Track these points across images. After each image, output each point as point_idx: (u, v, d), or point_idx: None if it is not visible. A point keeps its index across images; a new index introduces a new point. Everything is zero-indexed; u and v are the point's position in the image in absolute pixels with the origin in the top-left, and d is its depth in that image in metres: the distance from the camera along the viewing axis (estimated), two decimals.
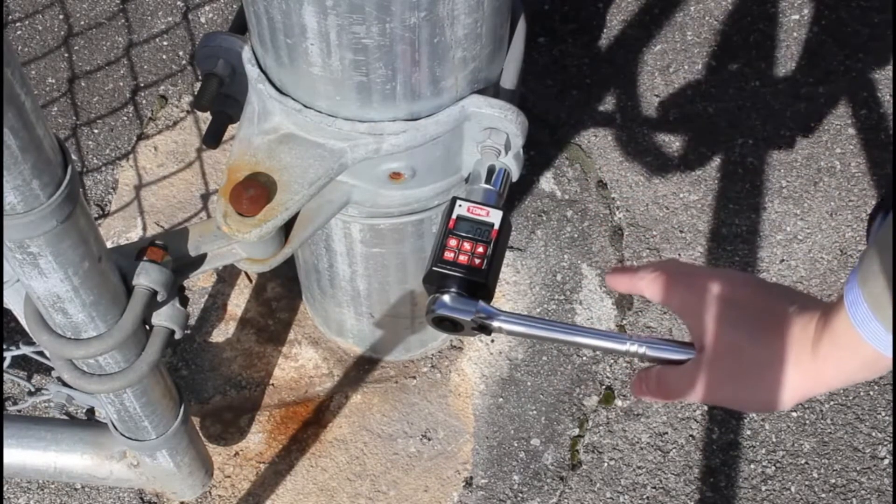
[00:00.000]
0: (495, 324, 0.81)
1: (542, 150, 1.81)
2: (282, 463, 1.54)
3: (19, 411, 1.54)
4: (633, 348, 0.75)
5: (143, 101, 1.85)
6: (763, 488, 1.53)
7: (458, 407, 1.59)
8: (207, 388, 1.60)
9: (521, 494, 1.52)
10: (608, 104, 1.86)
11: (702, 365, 0.70)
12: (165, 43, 1.92)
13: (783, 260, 1.70)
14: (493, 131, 1.02)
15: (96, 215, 1.74)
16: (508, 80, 1.07)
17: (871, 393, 1.59)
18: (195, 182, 1.77)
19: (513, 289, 1.68)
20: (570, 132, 1.83)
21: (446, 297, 0.84)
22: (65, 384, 1.23)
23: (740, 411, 0.73)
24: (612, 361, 1.62)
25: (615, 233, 1.74)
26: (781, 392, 0.68)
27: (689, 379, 0.71)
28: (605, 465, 1.55)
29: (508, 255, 1.70)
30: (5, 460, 1.20)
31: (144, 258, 0.94)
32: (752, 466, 1.54)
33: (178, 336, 1.00)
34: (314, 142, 1.02)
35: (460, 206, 0.91)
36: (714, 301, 0.71)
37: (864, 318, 0.61)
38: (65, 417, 1.42)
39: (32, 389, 1.49)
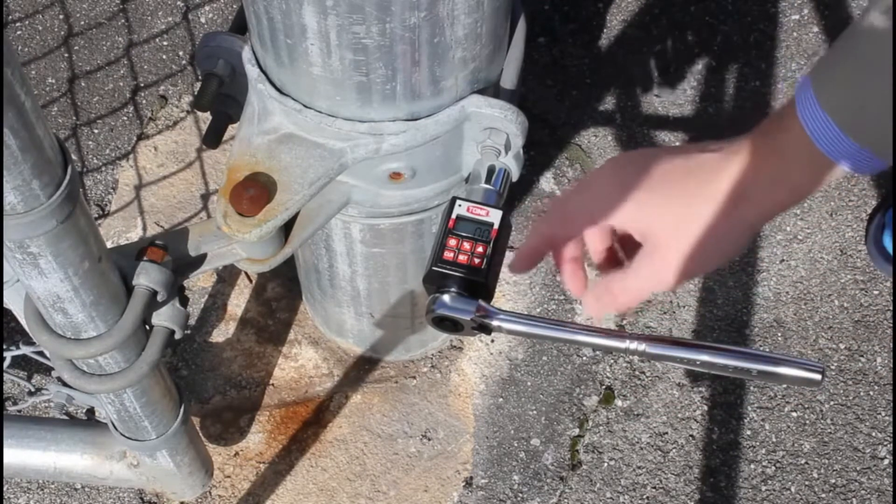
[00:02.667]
0: (495, 323, 0.81)
1: (542, 150, 1.81)
2: (282, 463, 1.54)
3: (19, 411, 1.54)
4: (633, 346, 0.75)
5: (143, 101, 1.85)
6: (763, 488, 1.53)
7: (458, 407, 1.59)
8: (207, 388, 1.60)
9: (521, 494, 1.52)
10: (608, 104, 1.86)
11: (651, 249, 0.68)
12: (165, 43, 1.92)
13: (783, 260, 1.70)
14: (493, 131, 1.02)
15: (96, 215, 1.74)
16: (508, 80, 1.07)
17: (871, 393, 1.59)
18: (195, 182, 1.77)
19: (513, 289, 1.68)
20: (570, 132, 1.83)
21: (446, 297, 0.84)
22: (65, 384, 1.23)
23: (709, 272, 0.70)
24: (612, 361, 1.63)
25: (615, 232, 1.73)
26: (737, 220, 0.65)
27: (643, 269, 0.70)
28: (605, 465, 1.55)
29: (508, 254, 1.70)
30: (5, 460, 1.20)
31: (144, 258, 0.94)
32: (752, 466, 1.54)
33: (178, 336, 1.00)
34: (314, 142, 1.02)
35: (460, 205, 0.91)
36: (630, 187, 0.69)
37: (806, 102, 0.60)
38: (65, 417, 1.42)
39: (32, 389, 1.49)
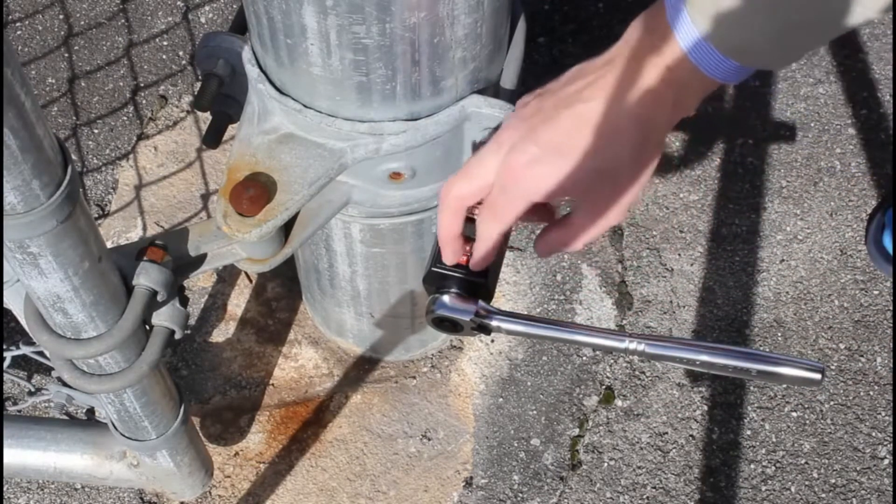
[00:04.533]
0: (495, 323, 0.81)
1: None
2: (282, 463, 1.54)
3: (19, 411, 1.54)
4: (633, 346, 0.75)
5: (143, 101, 1.85)
6: (763, 488, 1.53)
7: (458, 407, 1.59)
8: (207, 388, 1.60)
9: (521, 494, 1.52)
10: None
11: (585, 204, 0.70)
12: (165, 43, 1.92)
13: (783, 260, 1.70)
14: (493, 131, 1.02)
15: (96, 215, 1.74)
16: (508, 80, 1.07)
17: (871, 393, 1.59)
18: (195, 182, 1.77)
19: (513, 289, 1.68)
20: None
21: (446, 298, 0.84)
22: (65, 384, 1.23)
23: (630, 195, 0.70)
24: (612, 361, 1.63)
25: (615, 233, 1.74)
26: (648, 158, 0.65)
27: (588, 227, 0.70)
28: (605, 465, 1.55)
29: (508, 255, 1.70)
30: (5, 460, 1.20)
31: (144, 258, 0.94)
32: (752, 466, 1.54)
33: (178, 336, 1.00)
34: (314, 142, 1.02)
35: None
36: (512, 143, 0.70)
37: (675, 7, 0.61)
38: (65, 417, 1.42)
39: (32, 389, 1.49)
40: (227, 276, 1.69)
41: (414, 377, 1.62)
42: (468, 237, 0.80)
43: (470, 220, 0.80)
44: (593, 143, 0.66)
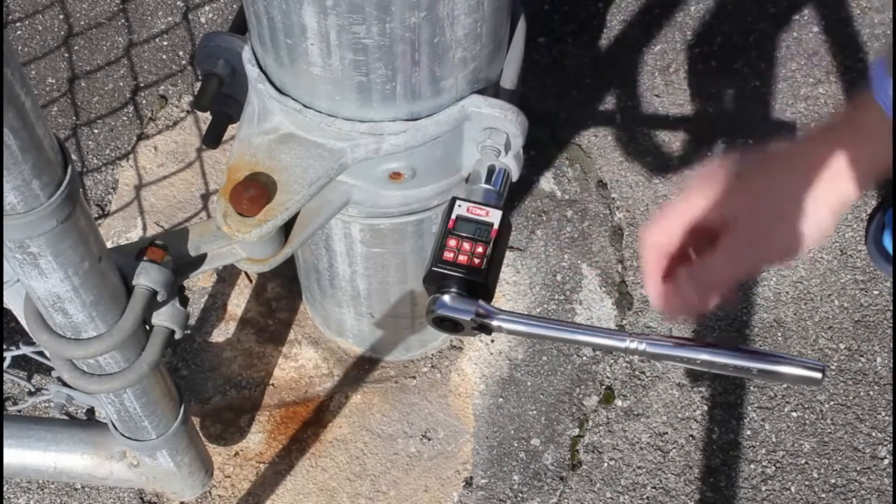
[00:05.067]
0: (495, 323, 0.81)
1: (542, 150, 1.81)
2: (282, 463, 1.54)
3: (19, 411, 1.54)
4: (633, 345, 0.75)
5: (143, 101, 1.85)
6: (763, 488, 1.53)
7: (458, 407, 1.59)
8: (207, 388, 1.60)
9: (521, 494, 1.52)
10: (608, 104, 1.86)
11: (732, 233, 0.67)
12: (165, 43, 1.92)
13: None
14: (493, 131, 1.02)
15: (96, 215, 1.74)
16: (508, 80, 1.07)
17: (871, 393, 1.59)
18: (195, 182, 1.77)
19: (513, 289, 1.68)
20: (570, 132, 1.83)
21: (446, 297, 0.84)
22: (65, 384, 1.23)
23: (793, 257, 0.69)
24: (612, 361, 1.63)
25: (615, 233, 1.74)
26: (818, 212, 0.65)
27: (728, 254, 0.68)
28: (605, 465, 1.55)
29: (508, 255, 1.70)
30: (5, 460, 1.20)
31: (144, 258, 0.94)
32: (752, 466, 1.54)
33: (178, 336, 1.00)
34: (314, 142, 1.02)
35: (460, 206, 0.91)
36: (716, 185, 0.69)
37: (879, 78, 0.60)
38: (65, 417, 1.42)
39: (32, 389, 1.49)
40: (227, 276, 1.69)
41: (414, 377, 1.62)
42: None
43: None
44: (778, 224, 0.67)
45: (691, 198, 0.70)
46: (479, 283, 0.86)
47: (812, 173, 0.65)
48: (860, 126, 0.64)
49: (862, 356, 1.62)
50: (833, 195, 0.65)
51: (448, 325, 0.84)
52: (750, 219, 0.67)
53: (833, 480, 1.53)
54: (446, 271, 0.87)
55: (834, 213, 0.66)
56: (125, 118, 1.83)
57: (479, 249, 0.88)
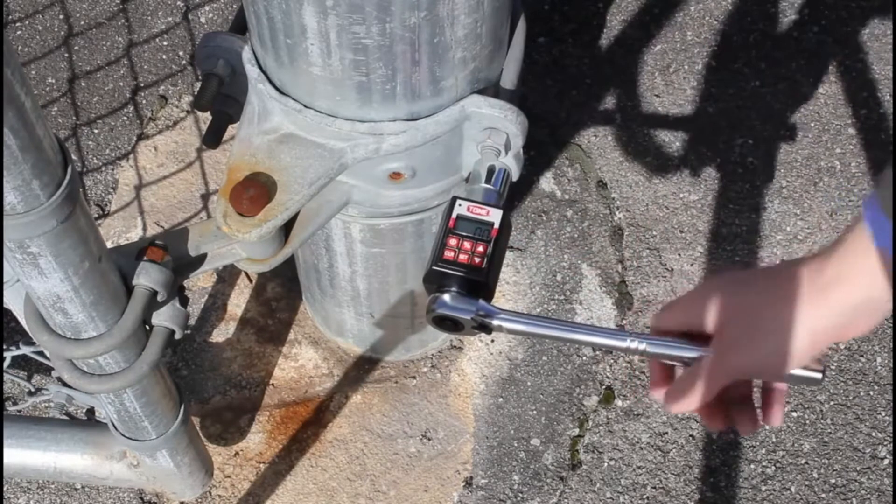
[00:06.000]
0: (495, 322, 0.81)
1: (542, 150, 1.81)
2: (282, 463, 1.54)
3: (19, 411, 1.54)
4: (634, 345, 0.75)
5: (143, 101, 1.85)
6: (763, 488, 1.53)
7: (458, 407, 1.59)
8: (207, 388, 1.60)
9: (521, 494, 1.52)
10: (608, 104, 1.86)
11: (717, 343, 0.69)
12: (165, 43, 1.92)
13: (783, 260, 1.70)
14: (493, 131, 1.02)
15: (96, 215, 1.74)
16: (508, 80, 1.07)
17: (871, 393, 1.59)
18: (195, 182, 1.77)
19: (513, 289, 1.68)
20: (570, 132, 1.83)
21: (447, 297, 0.84)
22: (65, 384, 1.23)
23: (762, 378, 0.72)
24: (612, 361, 1.63)
25: (615, 233, 1.74)
26: (797, 334, 0.65)
27: (706, 368, 0.70)
28: (605, 465, 1.55)
29: (508, 255, 1.70)
30: (5, 460, 1.20)
31: (144, 258, 0.94)
32: (752, 466, 1.54)
33: (178, 336, 1.00)
34: (314, 142, 1.02)
35: (460, 205, 0.91)
36: (717, 289, 0.70)
37: (875, 217, 0.60)
38: (65, 417, 1.42)
39: (32, 389, 1.49)
40: (227, 276, 1.69)
41: (414, 377, 1.62)
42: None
43: None
44: (757, 338, 0.68)
45: (691, 300, 0.73)
46: (479, 283, 0.86)
47: (803, 301, 0.65)
48: (855, 276, 0.63)
49: (862, 356, 1.62)
50: (819, 328, 0.66)
51: (448, 324, 0.84)
52: (735, 328, 0.69)
53: (833, 480, 1.53)
54: (447, 270, 0.87)
55: (816, 344, 0.66)
56: (125, 118, 1.83)
57: (480, 249, 0.88)
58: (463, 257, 0.87)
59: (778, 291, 0.66)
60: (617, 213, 1.75)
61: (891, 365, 1.62)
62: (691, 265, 1.70)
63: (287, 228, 1.07)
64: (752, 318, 0.67)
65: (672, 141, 1.82)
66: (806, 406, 1.59)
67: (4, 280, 0.98)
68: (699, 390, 0.71)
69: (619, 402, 1.59)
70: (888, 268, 0.61)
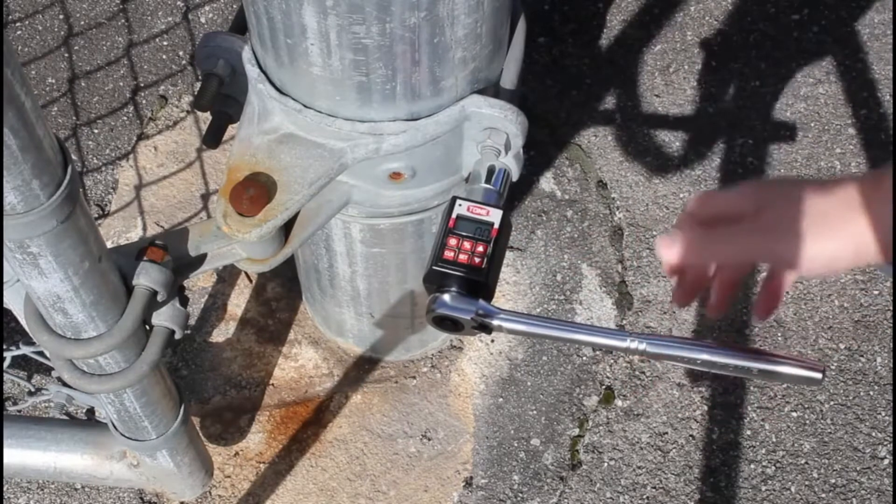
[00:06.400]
0: (495, 322, 0.81)
1: (542, 150, 1.81)
2: (282, 463, 1.54)
3: (19, 411, 1.54)
4: (634, 345, 0.75)
5: (143, 101, 1.85)
6: (763, 488, 1.53)
7: (458, 407, 1.59)
8: (207, 388, 1.60)
9: (521, 494, 1.52)
10: (608, 104, 1.86)
11: (759, 214, 0.67)
12: (165, 43, 1.92)
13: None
14: (493, 131, 1.02)
15: (96, 215, 1.74)
16: (508, 80, 1.07)
17: (871, 393, 1.59)
18: (195, 182, 1.77)
19: (513, 289, 1.68)
20: (570, 132, 1.83)
21: (446, 297, 0.84)
22: (65, 384, 1.23)
23: (792, 270, 0.69)
24: (612, 361, 1.63)
25: (615, 233, 1.74)
26: (843, 237, 0.64)
27: (744, 227, 0.68)
28: (605, 465, 1.55)
29: (508, 255, 1.70)
30: (5, 460, 1.20)
31: (144, 258, 0.94)
32: (752, 466, 1.54)
33: (178, 336, 1.00)
34: (314, 142, 1.02)
35: (460, 205, 0.91)
36: (764, 183, 0.69)
37: None
38: (65, 417, 1.42)
39: (32, 389, 1.49)
40: (227, 276, 1.69)
41: (414, 377, 1.62)
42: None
43: None
44: (799, 228, 0.66)
45: (733, 189, 0.71)
46: (479, 282, 0.86)
47: (854, 208, 0.64)
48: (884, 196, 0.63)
49: (862, 356, 1.62)
50: (866, 239, 0.64)
51: (448, 324, 0.84)
52: (773, 213, 0.67)
53: (833, 480, 1.53)
54: (447, 270, 0.87)
55: (858, 255, 0.64)
56: (125, 118, 1.83)
57: (480, 248, 0.88)
58: (463, 257, 0.87)
59: (830, 194, 0.65)
60: (617, 213, 1.75)
61: (891, 365, 1.62)
62: None
63: (287, 228, 1.07)
64: (799, 209, 0.65)
65: (672, 141, 1.82)
66: (806, 406, 1.59)
67: (4, 280, 0.98)
68: (723, 247, 0.69)
69: (619, 402, 1.59)
70: None
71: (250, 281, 1.69)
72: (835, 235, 0.64)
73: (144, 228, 1.72)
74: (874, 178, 0.64)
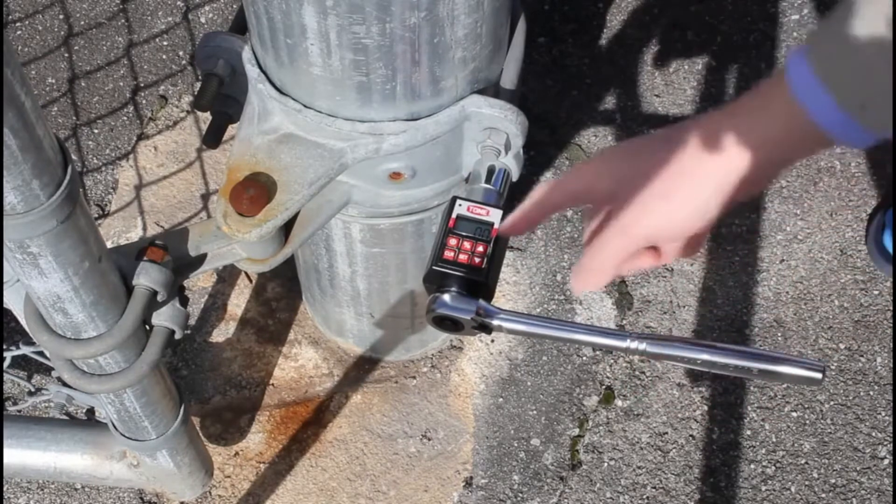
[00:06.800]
0: (495, 322, 0.81)
1: (542, 150, 1.81)
2: (282, 463, 1.54)
3: (19, 411, 1.54)
4: (634, 345, 0.75)
5: (143, 101, 1.85)
6: (763, 488, 1.53)
7: (458, 407, 1.59)
8: (207, 388, 1.60)
9: (521, 494, 1.52)
10: (608, 104, 1.86)
11: (616, 195, 0.67)
12: (165, 43, 1.92)
13: (783, 260, 1.70)
14: (493, 131, 1.02)
15: (96, 215, 1.74)
16: (508, 80, 1.07)
17: (871, 393, 1.59)
18: (195, 182, 1.77)
19: (513, 289, 1.68)
20: (570, 132, 1.83)
21: (446, 297, 0.84)
22: (65, 384, 1.23)
23: (678, 233, 0.69)
24: (612, 361, 1.63)
25: None
26: (704, 188, 0.63)
27: (611, 224, 0.68)
28: (605, 465, 1.55)
29: (508, 255, 1.70)
30: (5, 460, 1.20)
31: (144, 258, 0.94)
32: (752, 466, 1.54)
33: (178, 336, 1.00)
34: (314, 142, 1.02)
35: (460, 205, 0.91)
36: (612, 157, 0.69)
37: (801, 75, 0.58)
38: (65, 417, 1.42)
39: (32, 389, 1.49)
40: (227, 276, 1.69)
41: (414, 377, 1.62)
42: None
43: None
44: (661, 192, 0.66)
45: (584, 170, 0.72)
46: (479, 283, 0.86)
47: (702, 150, 0.63)
48: (767, 106, 0.61)
49: (862, 356, 1.62)
50: (721, 172, 0.63)
51: (448, 324, 0.84)
52: (629, 195, 0.66)
53: (833, 480, 1.53)
54: (447, 270, 0.87)
55: (721, 191, 0.63)
56: (125, 118, 1.83)
57: (480, 249, 0.88)
58: (463, 257, 0.87)
59: (679, 149, 0.64)
60: None
61: (891, 365, 1.62)
62: (691, 265, 1.70)
63: (287, 228, 1.07)
64: (656, 178, 0.65)
65: None
66: (806, 406, 1.59)
67: (4, 280, 0.98)
68: (607, 263, 0.69)
69: (619, 402, 1.59)
70: (803, 124, 0.59)
71: (250, 281, 1.69)
72: (694, 190, 0.64)
73: (144, 228, 1.72)
74: (722, 116, 0.63)
